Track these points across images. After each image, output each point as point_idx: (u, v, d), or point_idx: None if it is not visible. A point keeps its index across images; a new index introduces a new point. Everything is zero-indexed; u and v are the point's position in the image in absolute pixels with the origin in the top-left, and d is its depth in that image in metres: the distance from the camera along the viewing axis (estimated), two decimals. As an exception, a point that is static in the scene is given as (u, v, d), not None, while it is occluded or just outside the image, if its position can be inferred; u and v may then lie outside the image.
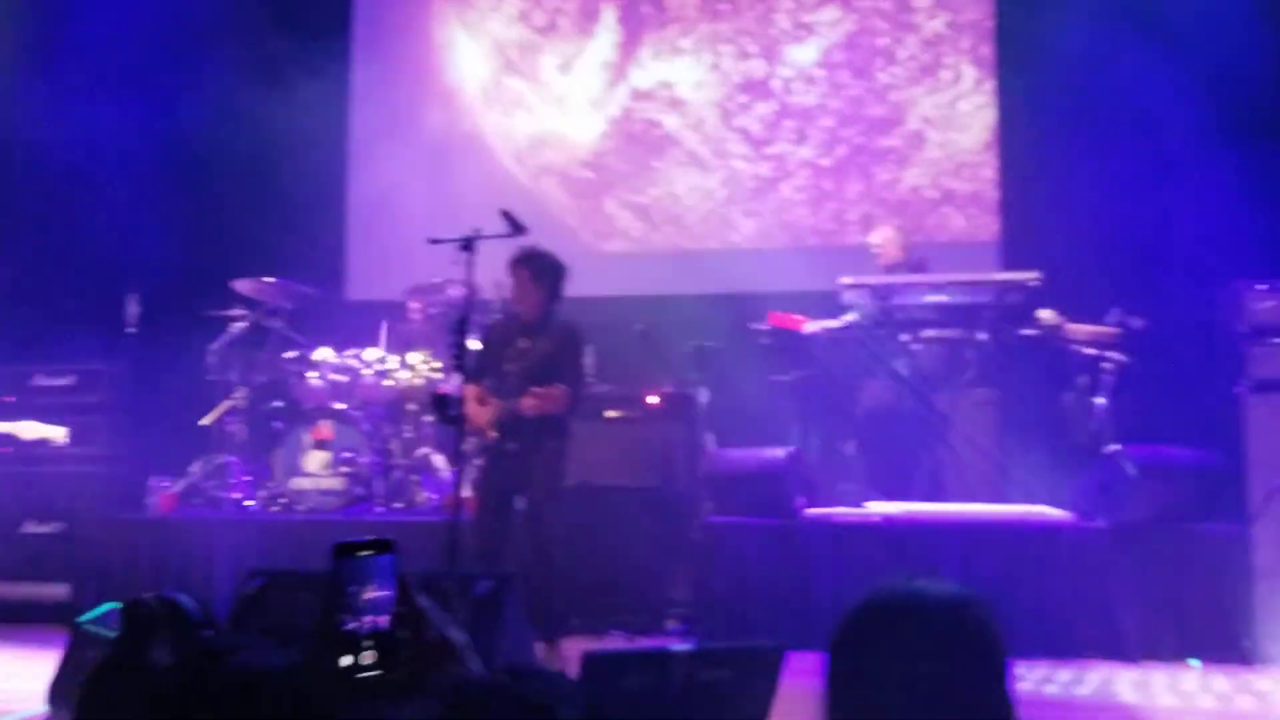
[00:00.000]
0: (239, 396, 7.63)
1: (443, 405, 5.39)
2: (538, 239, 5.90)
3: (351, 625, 1.47)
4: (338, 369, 7.53)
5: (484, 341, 6.06)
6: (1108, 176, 7.53)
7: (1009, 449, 7.01)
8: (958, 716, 1.57)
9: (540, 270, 5.81)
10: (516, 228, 5.55)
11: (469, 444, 5.91)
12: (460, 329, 5.21)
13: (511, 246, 5.78)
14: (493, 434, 5.76)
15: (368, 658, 1.46)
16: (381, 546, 1.51)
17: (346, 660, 1.46)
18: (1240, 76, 7.07)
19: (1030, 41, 7.96)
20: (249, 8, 8.67)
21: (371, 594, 1.48)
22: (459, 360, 5.31)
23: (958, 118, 8.74)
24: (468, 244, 5.34)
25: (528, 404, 5.59)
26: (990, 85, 8.60)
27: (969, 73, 8.74)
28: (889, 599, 1.66)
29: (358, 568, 1.48)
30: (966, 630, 1.63)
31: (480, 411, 5.74)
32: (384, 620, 1.48)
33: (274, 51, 8.43)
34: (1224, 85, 7.07)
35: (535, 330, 5.85)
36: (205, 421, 7.61)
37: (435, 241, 5.52)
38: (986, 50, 8.66)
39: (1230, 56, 7.03)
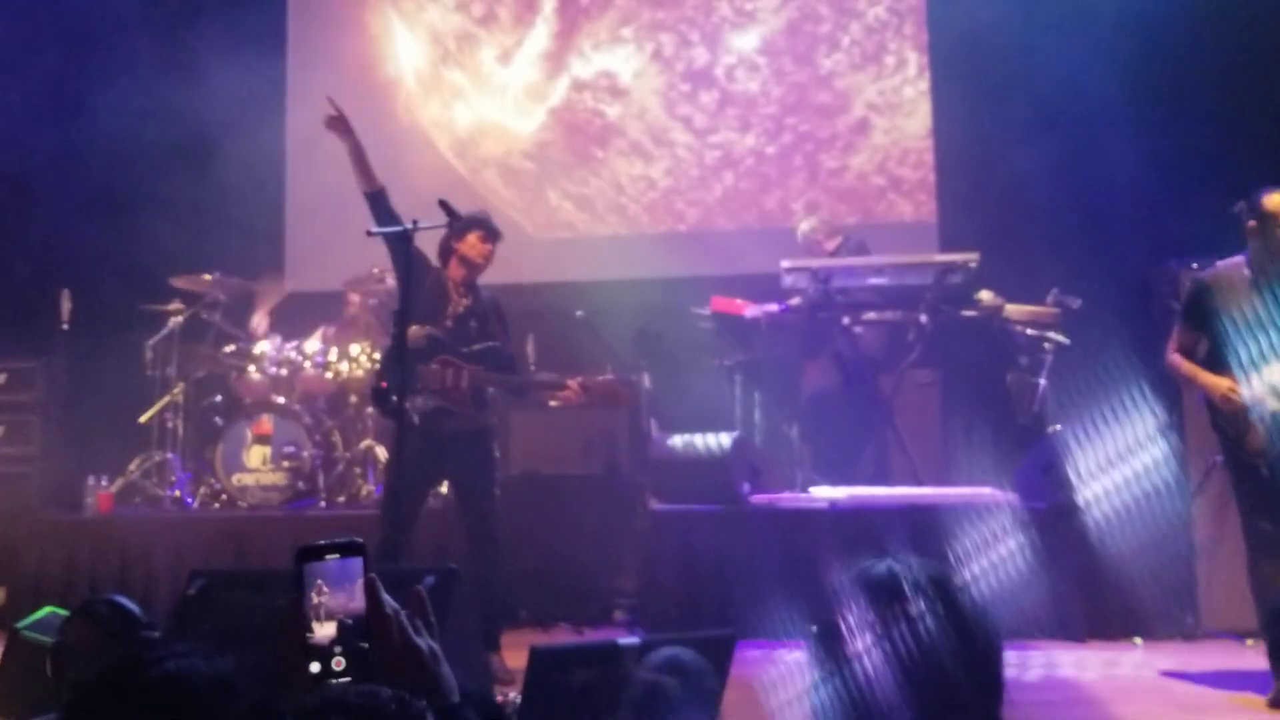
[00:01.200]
0: (177, 392, 7.53)
1: (383, 397, 5.27)
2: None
3: (319, 631, 1.39)
4: (277, 362, 7.44)
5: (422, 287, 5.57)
6: (1042, 158, 7.60)
7: (952, 431, 7.05)
8: (948, 691, 1.56)
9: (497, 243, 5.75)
10: (454, 218, 5.48)
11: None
12: (402, 320, 5.12)
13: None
14: (465, 407, 5.44)
15: (338, 664, 1.39)
16: (350, 549, 1.43)
17: (316, 668, 1.38)
18: (1174, 57, 7.17)
19: (960, 22, 8.02)
20: (182, 4, 8.54)
21: (339, 598, 1.41)
22: (400, 351, 5.20)
23: (904, 104, 8.75)
24: (405, 235, 5.25)
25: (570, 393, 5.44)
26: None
27: (913, 58, 8.76)
28: (878, 575, 1.65)
29: (323, 571, 1.41)
30: (963, 606, 1.62)
31: (446, 372, 5.43)
32: (352, 626, 1.40)
33: (207, 43, 8.30)
34: (1158, 65, 7.17)
35: (475, 292, 5.68)
36: (143, 419, 7.49)
37: (373, 234, 5.41)
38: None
39: (1166, 36, 7.14)
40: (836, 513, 6.28)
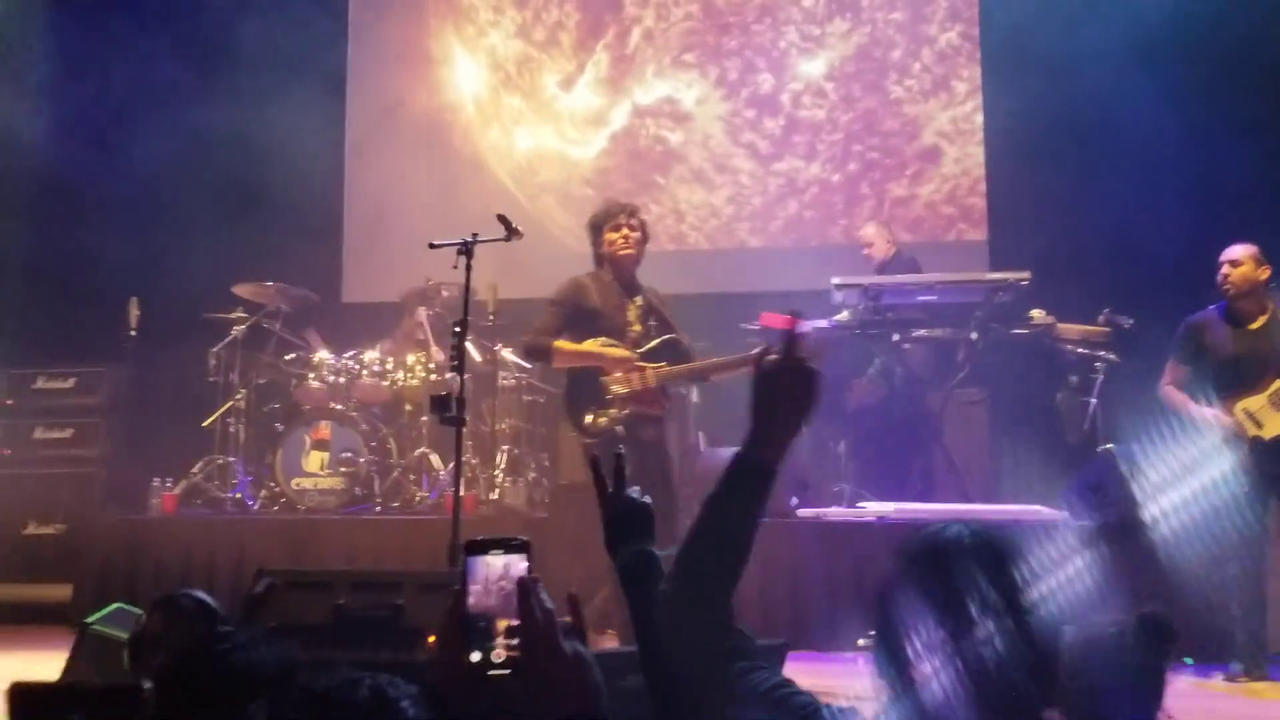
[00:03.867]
0: (239, 398, 7.71)
1: (443, 405, 5.29)
2: (531, 240, 5.93)
3: (479, 623, 1.45)
4: (336, 370, 7.61)
5: (576, 303, 5.35)
6: (1097, 178, 7.63)
7: (1000, 448, 7.05)
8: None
9: (644, 226, 5.52)
10: (512, 232, 5.56)
11: (602, 419, 5.20)
12: (461, 331, 5.21)
13: (505, 250, 5.77)
14: (661, 407, 5.27)
15: (497, 656, 1.44)
16: (513, 547, 1.49)
17: (476, 656, 1.44)
18: (1228, 77, 7.17)
19: (1013, 44, 8.06)
20: (248, 23, 8.79)
21: (500, 594, 1.47)
22: (458, 361, 5.27)
23: (975, 131, 8.72)
24: (466, 247, 5.35)
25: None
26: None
27: (986, 85, 8.72)
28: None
29: (486, 566, 1.47)
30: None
31: (631, 378, 5.19)
32: (512, 622, 1.45)
33: (270, 61, 8.56)
34: (1212, 86, 7.16)
35: (636, 289, 5.45)
36: (206, 423, 7.68)
37: (435, 246, 5.51)
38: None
39: (1221, 56, 7.13)
40: (883, 527, 6.29)
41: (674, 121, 9.36)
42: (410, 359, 7.60)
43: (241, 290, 7.80)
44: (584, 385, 5.21)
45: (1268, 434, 5.41)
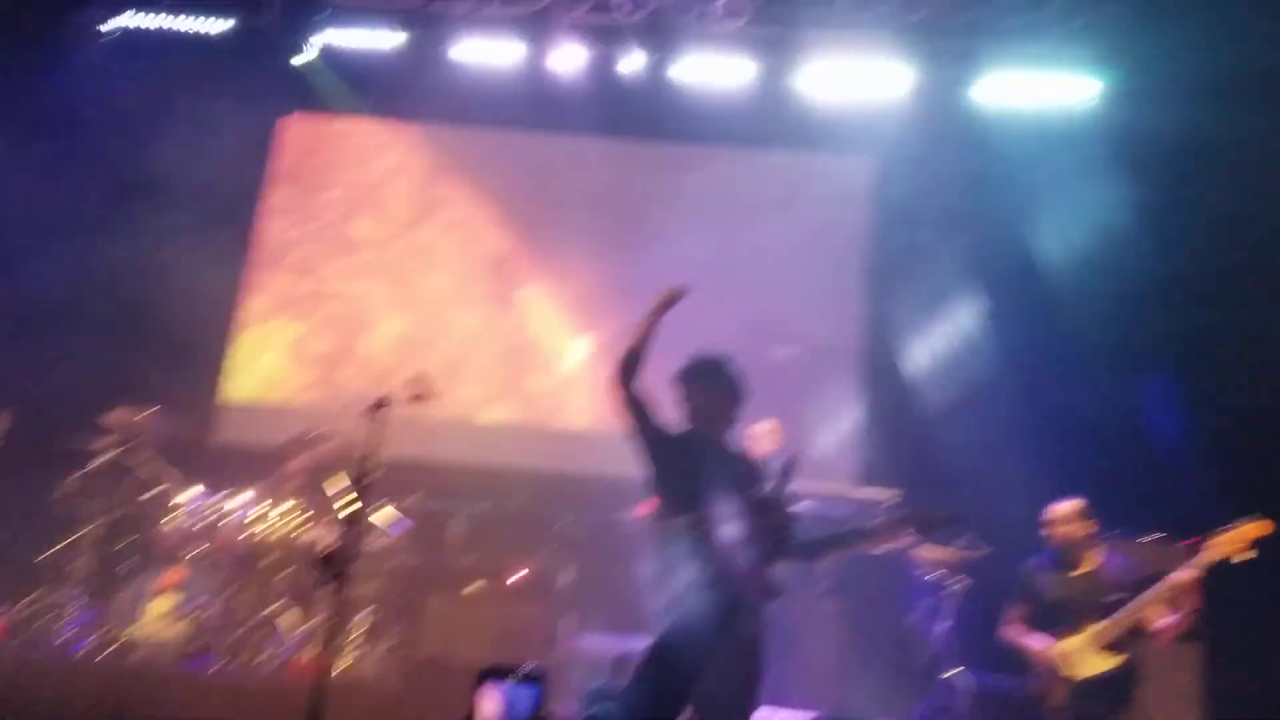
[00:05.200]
0: (88, 531, 7.28)
1: (332, 563, 5.11)
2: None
3: None
4: (197, 513, 7.34)
5: (697, 458, 4.84)
6: (967, 410, 8.07)
7: (855, 659, 7.21)
8: None
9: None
10: (423, 396, 5.56)
11: None
12: (359, 484, 5.15)
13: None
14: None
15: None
16: (529, 677, 1.70)
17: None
18: (1092, 318, 7.73)
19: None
20: (163, 155, 8.77)
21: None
22: (354, 515, 5.17)
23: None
24: (380, 405, 5.33)
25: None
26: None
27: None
28: None
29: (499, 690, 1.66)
30: None
31: None
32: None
33: (182, 196, 8.54)
34: (1078, 331, 7.70)
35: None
36: (39, 559, 7.25)
37: (347, 405, 5.52)
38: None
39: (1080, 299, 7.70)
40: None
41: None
42: (274, 513, 7.37)
43: (113, 418, 7.53)
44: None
45: (1080, 674, 5.74)
